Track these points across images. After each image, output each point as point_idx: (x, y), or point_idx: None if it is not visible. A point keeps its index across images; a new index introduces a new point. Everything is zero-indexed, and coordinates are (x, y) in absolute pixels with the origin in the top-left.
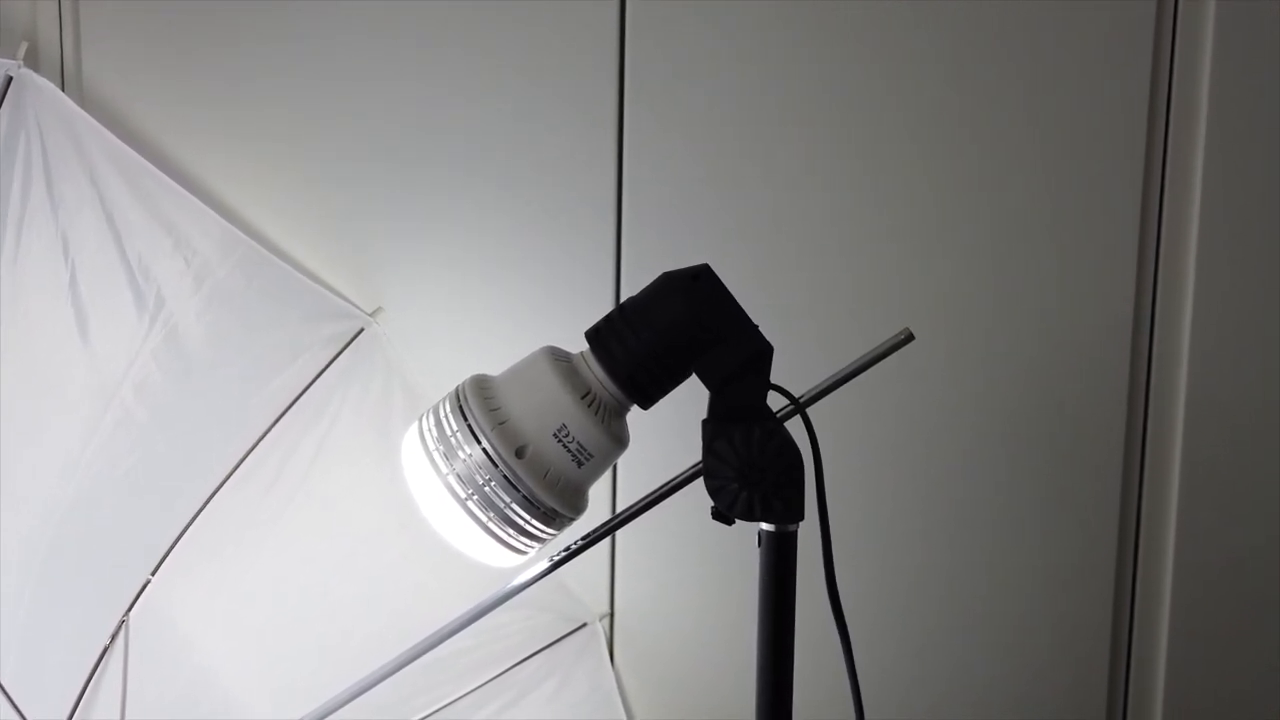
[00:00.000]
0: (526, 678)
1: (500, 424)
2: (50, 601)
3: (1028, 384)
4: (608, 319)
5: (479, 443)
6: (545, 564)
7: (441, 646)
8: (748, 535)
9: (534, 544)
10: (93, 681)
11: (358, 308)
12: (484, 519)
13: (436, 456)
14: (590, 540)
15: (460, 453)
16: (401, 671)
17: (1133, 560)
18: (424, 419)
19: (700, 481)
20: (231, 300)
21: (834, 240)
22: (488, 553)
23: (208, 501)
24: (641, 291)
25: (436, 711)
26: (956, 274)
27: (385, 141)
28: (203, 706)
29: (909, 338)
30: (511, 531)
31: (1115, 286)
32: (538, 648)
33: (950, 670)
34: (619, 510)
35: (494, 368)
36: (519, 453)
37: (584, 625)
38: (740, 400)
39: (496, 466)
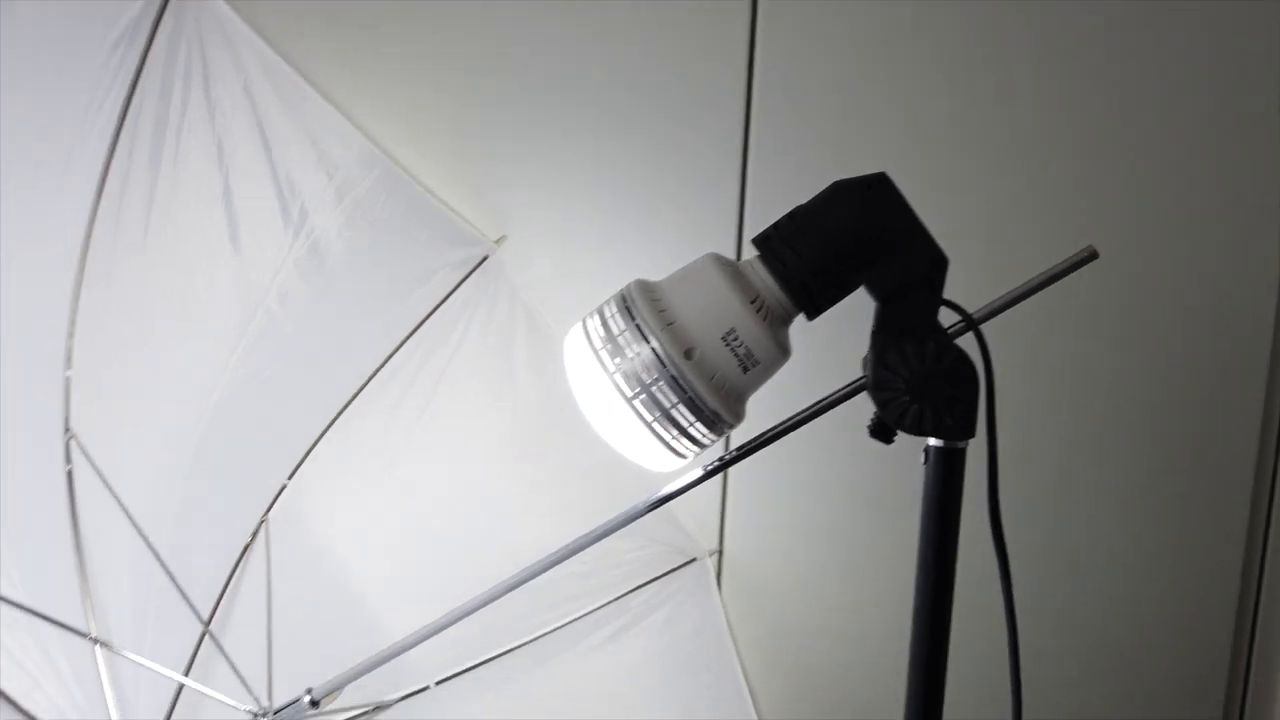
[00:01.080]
0: (638, 606)
1: (669, 325)
2: (199, 496)
3: (1190, 309)
4: (777, 226)
5: (647, 342)
6: (699, 473)
7: (558, 569)
8: (859, 475)
9: (694, 448)
10: (236, 573)
11: (483, 234)
12: (649, 418)
13: (603, 355)
14: (745, 452)
15: (628, 352)
16: (515, 592)
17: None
18: (588, 320)
19: (816, 420)
20: (369, 218)
21: (1009, 158)
22: (647, 454)
23: (341, 412)
24: (812, 200)
25: (552, 631)
26: (1140, 192)
27: (515, 73)
28: (336, 607)
29: (1092, 255)
30: (674, 433)
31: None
32: (649, 578)
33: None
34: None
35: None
36: (687, 354)
37: (694, 560)
38: (912, 314)
39: (665, 366)
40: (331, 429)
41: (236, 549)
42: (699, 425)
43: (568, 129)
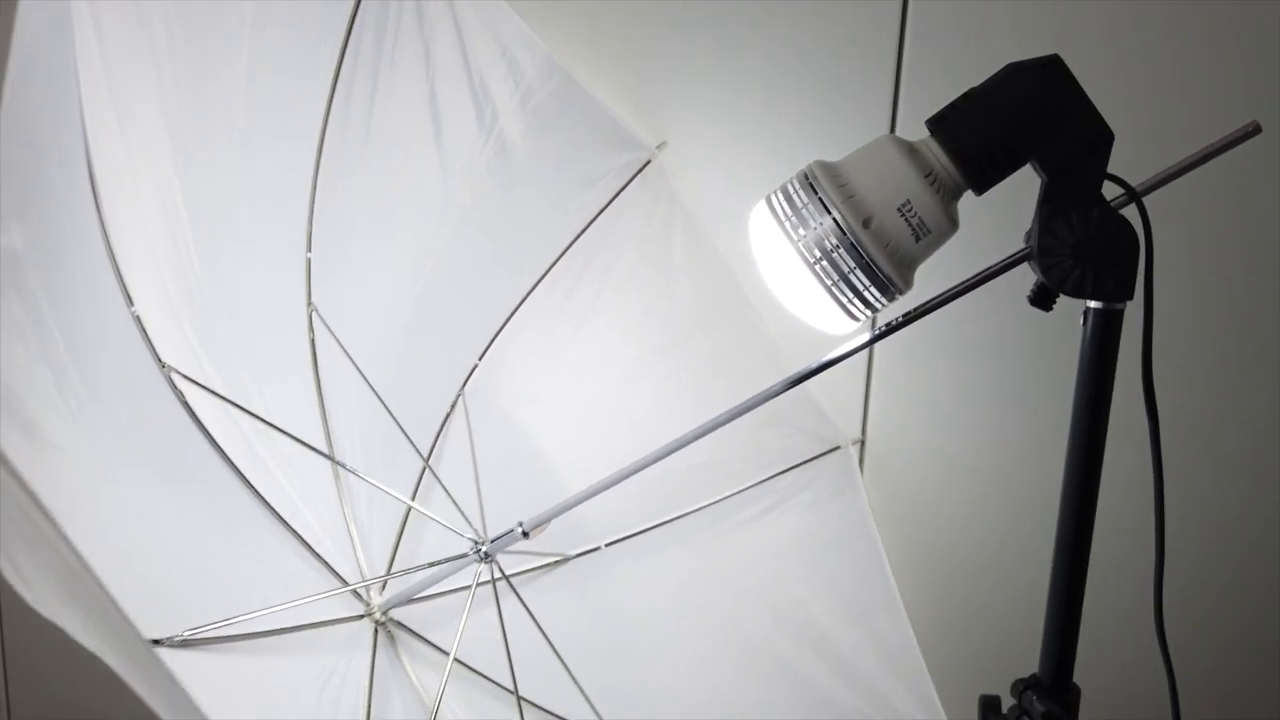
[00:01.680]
0: (784, 488)
1: (849, 197)
2: (403, 371)
3: None
4: (952, 105)
5: (829, 213)
6: (867, 337)
7: (706, 451)
8: (1002, 369)
9: (866, 311)
10: (440, 437)
11: (646, 140)
12: (829, 283)
13: (788, 226)
14: (911, 318)
15: (811, 222)
16: (673, 471)
17: None
18: (773, 196)
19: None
20: (547, 123)
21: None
22: (824, 318)
23: (522, 301)
24: (987, 80)
25: (706, 506)
26: None
27: None
28: (526, 465)
29: (1255, 130)
30: (850, 295)
31: None
32: (794, 463)
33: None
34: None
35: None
36: (865, 223)
37: (837, 448)
38: (1077, 186)
39: (845, 234)
40: (515, 315)
41: (440, 416)
42: (873, 290)
43: (725, 37)
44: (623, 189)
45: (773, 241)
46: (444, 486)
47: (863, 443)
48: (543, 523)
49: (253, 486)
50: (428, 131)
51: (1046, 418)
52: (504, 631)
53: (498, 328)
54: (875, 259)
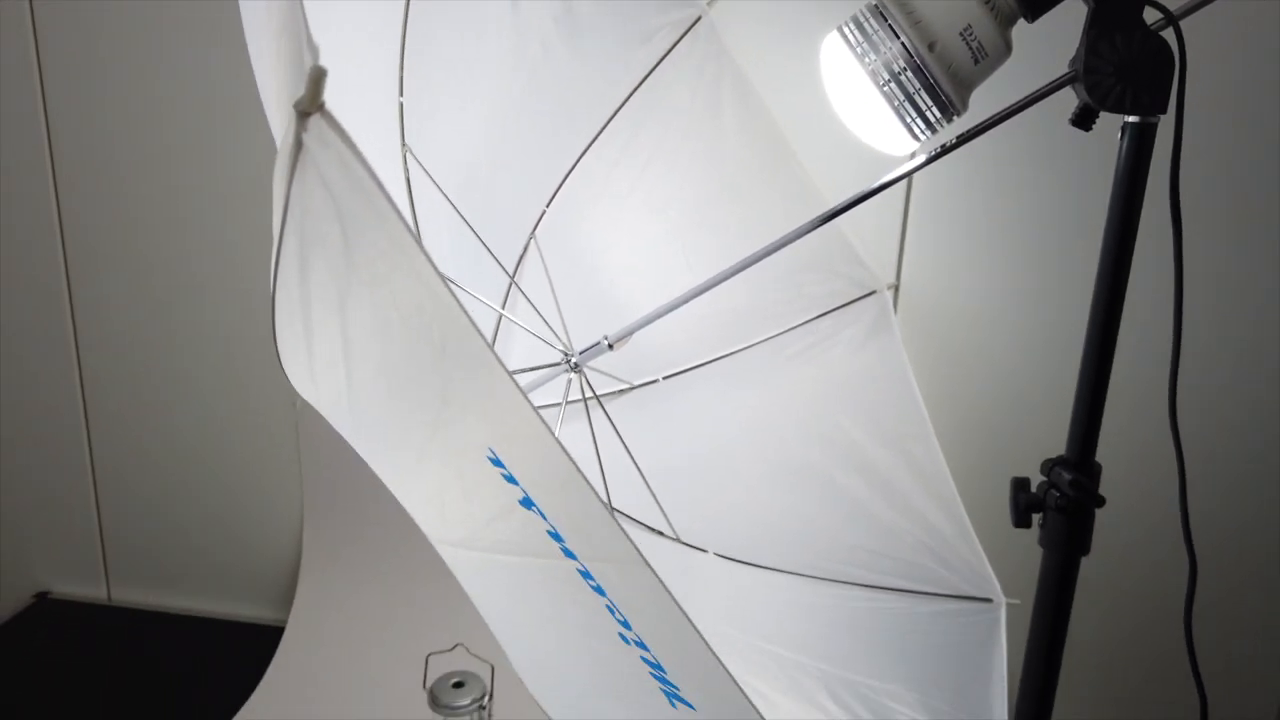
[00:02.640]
0: (825, 328)
1: (916, 23)
2: (486, 209)
3: None
4: None
5: (897, 38)
6: (923, 158)
7: (752, 295)
8: (1035, 212)
9: (928, 130)
10: (517, 273)
11: None
12: (896, 103)
13: (859, 51)
14: (964, 139)
15: (881, 46)
16: (722, 312)
17: None
18: (844, 25)
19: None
20: None
21: None
22: (887, 137)
23: (586, 149)
24: None
25: (753, 345)
26: None
27: None
28: (598, 296)
29: None
30: (914, 114)
31: None
32: (833, 306)
33: None
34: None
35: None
36: (930, 46)
37: (873, 293)
38: (1120, 11)
39: (911, 57)
40: (579, 163)
41: (515, 256)
42: (934, 109)
43: None
44: (675, 44)
45: (844, 67)
46: (530, 302)
47: (897, 287)
48: (625, 335)
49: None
50: None
51: (1071, 260)
52: (594, 439)
53: (565, 174)
54: (939, 80)
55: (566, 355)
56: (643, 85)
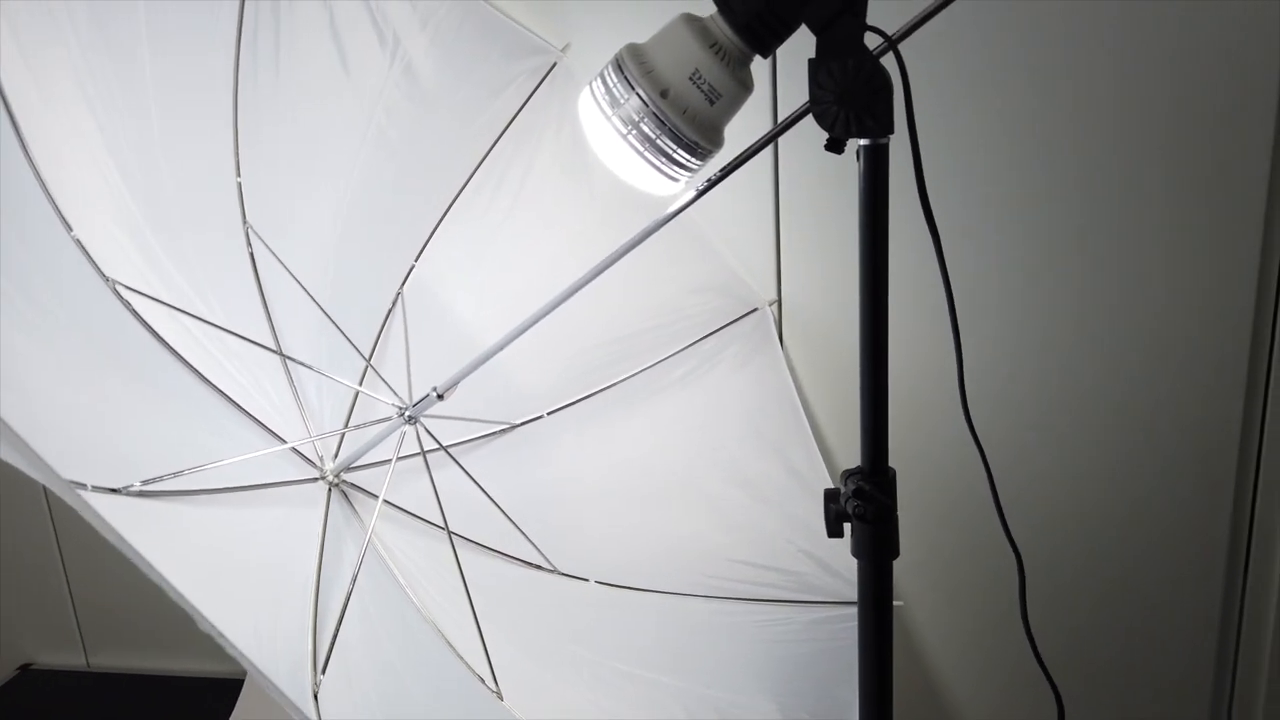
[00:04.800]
0: (709, 349)
1: (648, 72)
2: (344, 276)
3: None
4: None
5: (634, 89)
6: (693, 193)
7: (636, 323)
8: (904, 219)
9: (683, 171)
10: (381, 336)
11: (550, 44)
12: (641, 149)
13: (603, 105)
14: (727, 172)
15: (620, 99)
16: (610, 341)
17: None
18: (593, 82)
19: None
20: (449, 39)
21: None
22: (648, 181)
23: (450, 206)
24: None
25: (637, 374)
26: None
27: None
28: (464, 347)
29: None
30: (663, 160)
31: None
32: (716, 327)
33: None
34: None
35: None
36: (663, 94)
37: (754, 310)
38: (841, 40)
39: (647, 106)
40: (445, 217)
41: (382, 313)
42: (681, 152)
43: None
44: (533, 93)
45: (596, 123)
46: (374, 368)
47: (779, 302)
48: (452, 384)
49: (200, 373)
50: (333, 58)
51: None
52: (432, 482)
53: (430, 230)
54: (676, 123)
55: (400, 409)
56: (504, 136)
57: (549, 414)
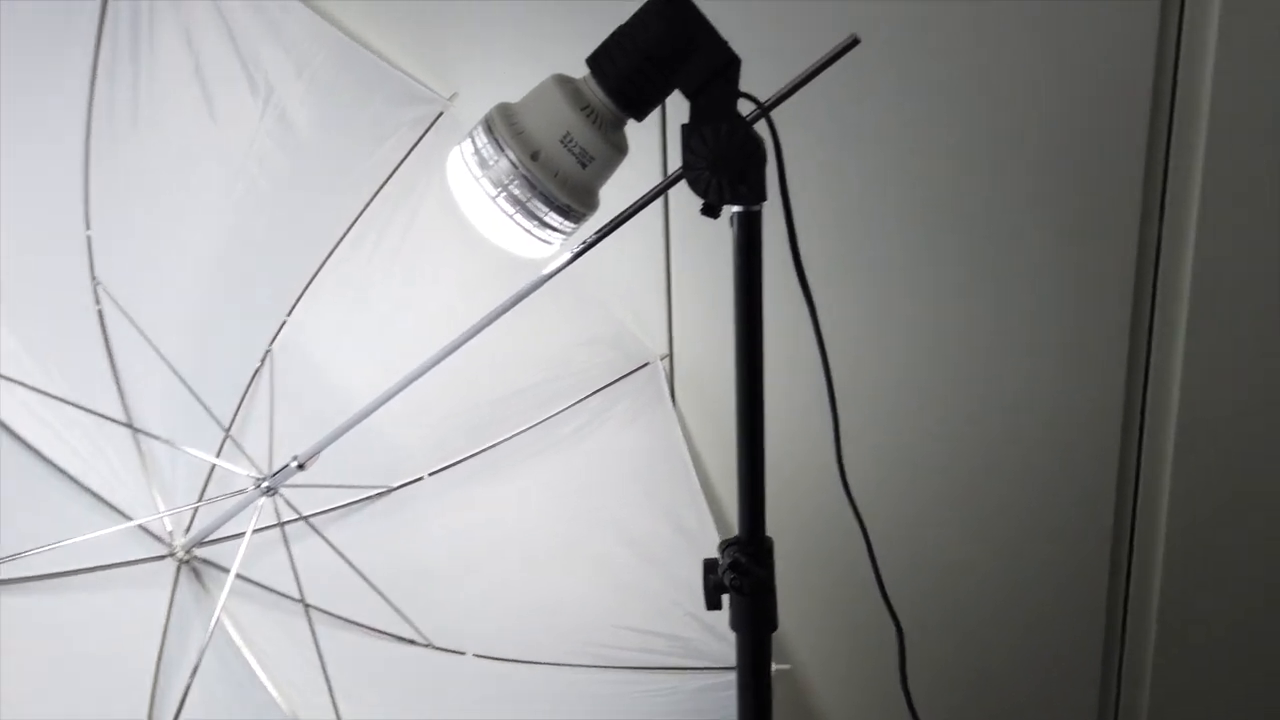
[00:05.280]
0: (598, 405)
1: (518, 134)
2: (210, 333)
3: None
4: (603, 44)
5: (503, 151)
6: (569, 255)
7: (523, 378)
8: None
9: (555, 234)
10: (247, 396)
11: (436, 93)
12: (510, 212)
13: (471, 165)
14: (603, 234)
15: (490, 161)
16: (494, 400)
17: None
18: (462, 143)
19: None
20: (327, 86)
21: None
22: (520, 244)
23: (327, 258)
24: (630, 17)
25: (523, 431)
26: None
27: None
28: (336, 412)
29: (855, 42)
30: (535, 224)
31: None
32: (605, 383)
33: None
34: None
35: None
36: (534, 156)
37: (645, 365)
38: (712, 105)
39: (516, 169)
40: (321, 271)
41: (248, 373)
42: (553, 215)
43: None
44: (417, 143)
45: (464, 184)
46: (233, 438)
47: (670, 357)
48: (314, 453)
49: (31, 447)
50: (199, 105)
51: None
52: (289, 555)
53: (304, 285)
54: (548, 187)
55: (257, 480)
56: (387, 185)
57: (430, 475)
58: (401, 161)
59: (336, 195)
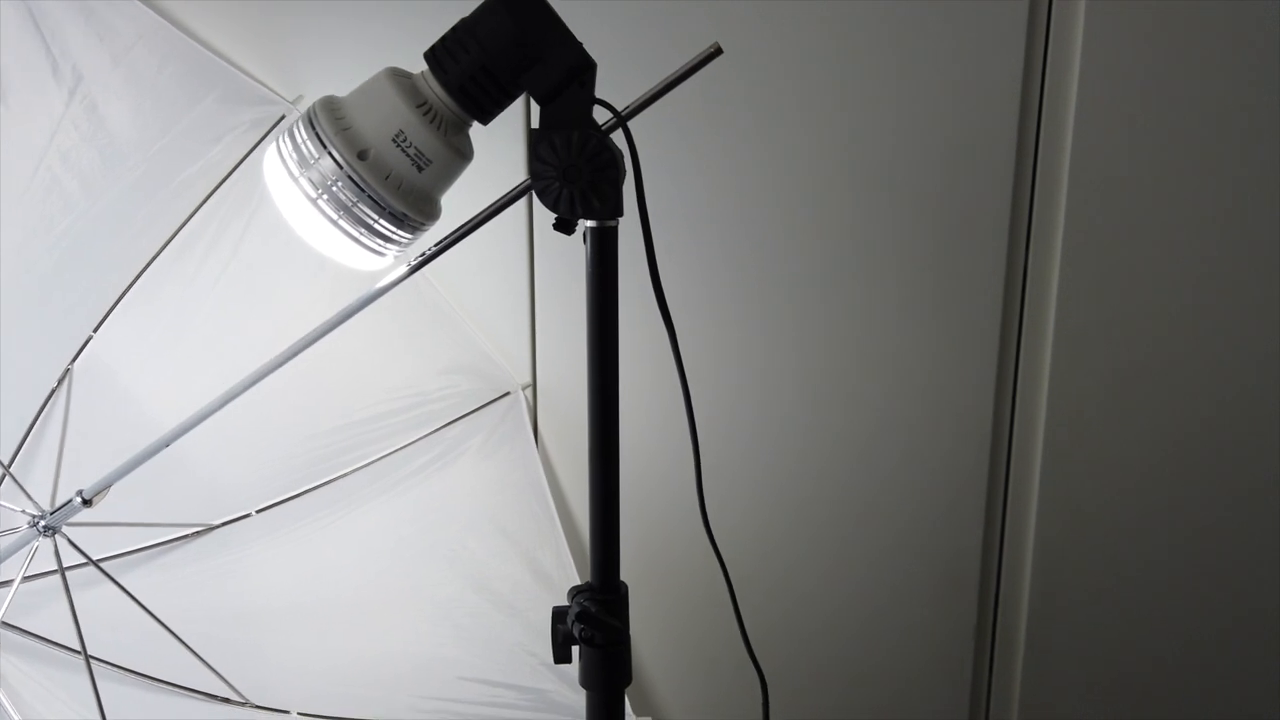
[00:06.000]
0: (453, 437)
1: (344, 130)
2: (3, 343)
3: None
4: (443, 39)
5: (326, 149)
6: (404, 269)
7: (369, 408)
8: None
9: (388, 245)
10: (39, 421)
11: (279, 95)
12: (334, 217)
13: (290, 164)
14: (443, 247)
15: (310, 160)
16: (334, 430)
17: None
18: (280, 138)
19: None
20: (149, 80)
21: None
22: (348, 254)
23: (144, 270)
24: (474, 10)
25: (369, 464)
26: None
27: None
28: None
29: (717, 51)
30: (363, 231)
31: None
32: (463, 412)
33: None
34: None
35: None
36: (361, 155)
37: (507, 394)
38: (566, 112)
39: (341, 168)
40: (137, 284)
41: (41, 395)
42: (384, 222)
43: None
44: (256, 145)
45: (282, 184)
46: (11, 474)
47: (533, 387)
48: (105, 485)
49: None
50: None
51: (702, 348)
52: (70, 602)
53: (116, 298)
54: (377, 190)
55: (35, 518)
56: (219, 191)
57: (258, 512)
58: (235, 167)
59: (157, 200)
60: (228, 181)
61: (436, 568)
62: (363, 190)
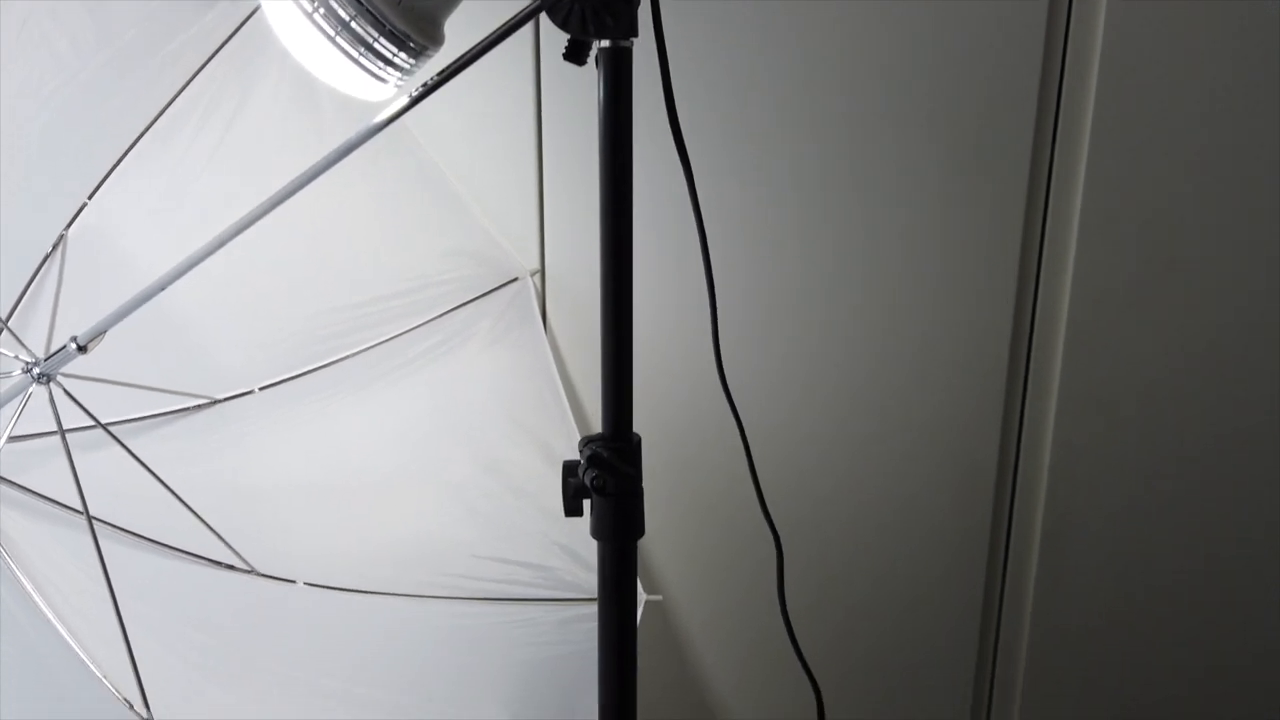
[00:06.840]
0: (460, 322)
1: None
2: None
3: None
4: None
5: None
6: (405, 100)
7: (373, 289)
8: (661, 190)
9: (388, 68)
10: (34, 284)
11: None
12: (333, 33)
13: None
14: (447, 75)
15: None
16: (336, 309)
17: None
18: None
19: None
20: None
21: None
22: (348, 79)
23: (140, 137)
24: None
25: (373, 347)
26: None
27: None
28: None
29: None
30: (363, 50)
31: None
32: (470, 297)
33: None
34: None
35: None
36: None
37: (515, 279)
38: None
39: None
40: (130, 153)
41: (35, 260)
42: (384, 41)
43: None
44: (254, 12)
45: (284, 8)
46: (9, 328)
47: (542, 272)
48: (97, 333)
49: None
50: None
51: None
52: (69, 457)
53: (111, 165)
54: (376, 4)
55: (28, 365)
56: (215, 59)
57: (261, 389)
58: (234, 33)
59: (150, 65)
60: (224, 50)
61: (446, 452)
62: (363, 6)
